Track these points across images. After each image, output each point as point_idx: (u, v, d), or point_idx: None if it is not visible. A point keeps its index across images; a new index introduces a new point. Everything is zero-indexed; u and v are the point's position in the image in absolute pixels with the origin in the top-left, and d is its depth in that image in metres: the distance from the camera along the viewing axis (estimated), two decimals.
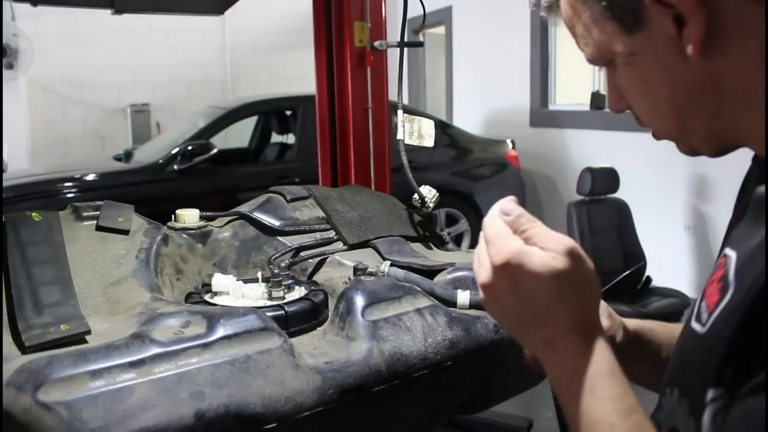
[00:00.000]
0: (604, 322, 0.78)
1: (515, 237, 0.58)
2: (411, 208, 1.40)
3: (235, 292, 1.05)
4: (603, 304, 0.79)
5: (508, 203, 0.60)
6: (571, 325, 0.56)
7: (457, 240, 5.40)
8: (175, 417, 0.76)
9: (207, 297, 1.05)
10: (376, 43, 1.84)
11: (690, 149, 0.63)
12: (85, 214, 1.10)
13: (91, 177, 4.62)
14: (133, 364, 0.78)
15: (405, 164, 1.41)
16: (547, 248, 0.56)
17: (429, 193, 1.40)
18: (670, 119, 0.60)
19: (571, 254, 0.55)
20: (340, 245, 1.23)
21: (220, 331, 0.84)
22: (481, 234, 0.61)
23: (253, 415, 0.81)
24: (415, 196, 1.40)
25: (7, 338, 0.84)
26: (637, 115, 0.64)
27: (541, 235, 0.57)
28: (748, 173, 0.65)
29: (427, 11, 1.72)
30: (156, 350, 0.80)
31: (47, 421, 0.71)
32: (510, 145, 5.62)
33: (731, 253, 0.56)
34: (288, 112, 5.33)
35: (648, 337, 0.82)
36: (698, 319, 0.56)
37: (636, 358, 0.79)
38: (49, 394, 0.72)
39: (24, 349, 0.80)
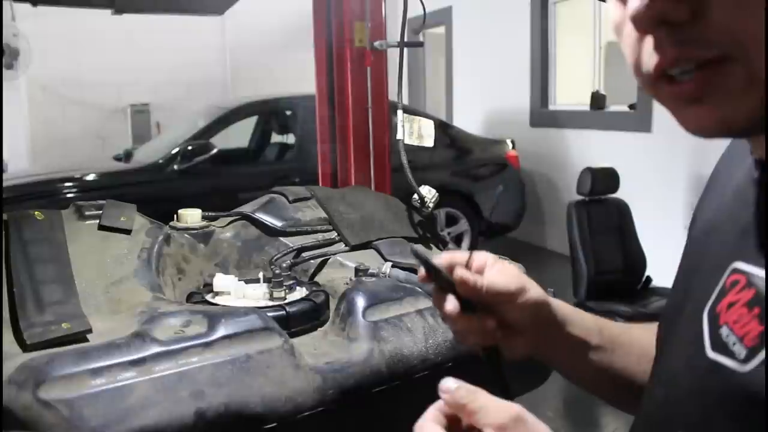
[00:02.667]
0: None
1: None
2: (412, 209, 1.40)
3: (236, 292, 1.05)
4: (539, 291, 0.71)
5: (446, 382, 0.57)
6: None
7: (457, 240, 5.40)
8: (175, 416, 0.76)
9: (208, 297, 1.05)
10: (376, 43, 1.83)
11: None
12: (87, 213, 1.10)
13: (91, 177, 4.61)
14: (133, 363, 0.78)
15: (405, 164, 1.40)
16: (489, 426, 0.53)
17: (429, 193, 1.39)
18: None
19: (515, 423, 0.52)
20: (341, 246, 1.23)
21: (221, 331, 0.84)
22: None
23: (253, 415, 0.81)
24: (415, 196, 1.39)
25: (9, 336, 0.84)
26: None
27: (484, 408, 0.54)
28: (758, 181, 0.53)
29: (427, 11, 1.71)
30: (157, 349, 0.80)
31: (48, 418, 0.71)
32: (510, 145, 5.62)
33: (753, 270, 0.47)
34: (288, 112, 5.32)
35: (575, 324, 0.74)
36: (725, 352, 0.47)
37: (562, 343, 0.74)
38: (50, 391, 0.72)
39: (25, 347, 0.80)
